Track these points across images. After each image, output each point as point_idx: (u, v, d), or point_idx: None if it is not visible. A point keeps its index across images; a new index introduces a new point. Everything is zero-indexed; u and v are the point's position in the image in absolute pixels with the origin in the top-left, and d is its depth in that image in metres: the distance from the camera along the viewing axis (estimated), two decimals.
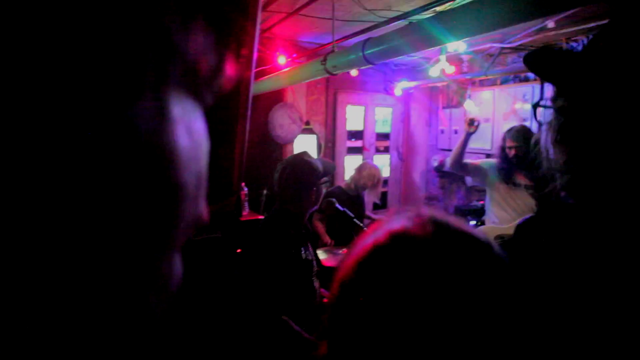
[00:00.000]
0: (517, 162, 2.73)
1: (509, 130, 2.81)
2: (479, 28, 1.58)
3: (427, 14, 2.48)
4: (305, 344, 1.57)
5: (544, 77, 0.72)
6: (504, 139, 2.82)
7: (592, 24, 3.08)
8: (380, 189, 3.78)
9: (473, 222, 3.39)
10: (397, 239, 0.44)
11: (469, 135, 2.80)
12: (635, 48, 0.53)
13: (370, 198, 3.99)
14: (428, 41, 1.81)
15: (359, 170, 3.63)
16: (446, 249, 0.43)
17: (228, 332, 1.47)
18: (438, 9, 2.27)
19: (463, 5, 1.69)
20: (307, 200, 1.82)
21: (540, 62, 0.68)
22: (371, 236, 0.46)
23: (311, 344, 1.61)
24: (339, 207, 1.90)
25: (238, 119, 0.87)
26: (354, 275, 0.45)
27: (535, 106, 0.72)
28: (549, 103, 0.67)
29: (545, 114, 0.67)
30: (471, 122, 2.77)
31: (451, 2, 2.12)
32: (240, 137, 0.86)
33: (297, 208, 1.81)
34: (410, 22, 2.27)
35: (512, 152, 2.74)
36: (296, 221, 1.82)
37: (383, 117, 5.54)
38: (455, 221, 0.46)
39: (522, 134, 2.70)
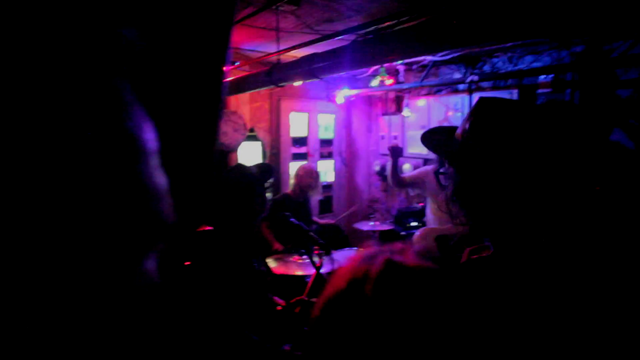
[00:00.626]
0: None
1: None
2: (418, 51, 1.73)
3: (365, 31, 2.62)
4: (265, 353, 1.61)
5: (434, 152, 0.96)
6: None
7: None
8: (320, 185, 3.89)
9: (414, 224, 3.61)
10: (354, 282, 0.53)
11: (395, 158, 3.33)
12: (493, 141, 0.76)
13: (315, 198, 4.09)
14: (372, 60, 1.94)
15: (296, 174, 3.74)
16: (398, 290, 0.51)
17: (188, 345, 1.46)
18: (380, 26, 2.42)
19: (404, 29, 1.84)
20: (252, 209, 1.80)
21: (429, 141, 0.90)
22: (335, 280, 0.54)
23: (271, 353, 1.65)
24: (294, 221, 1.95)
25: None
26: (319, 314, 0.53)
27: (437, 173, 1.03)
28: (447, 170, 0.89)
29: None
30: (393, 150, 3.28)
31: (389, 23, 2.27)
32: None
33: (243, 219, 1.79)
34: (355, 41, 2.38)
35: None
36: (244, 232, 1.82)
37: (326, 124, 5.68)
38: (410, 260, 0.55)
39: None
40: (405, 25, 2.15)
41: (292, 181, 3.83)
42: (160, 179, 0.27)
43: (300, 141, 5.38)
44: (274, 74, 2.78)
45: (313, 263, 1.99)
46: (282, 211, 2.17)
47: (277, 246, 3.31)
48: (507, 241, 0.75)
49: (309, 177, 3.68)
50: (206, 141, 0.89)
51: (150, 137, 0.26)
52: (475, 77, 3.77)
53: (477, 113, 0.80)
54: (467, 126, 0.80)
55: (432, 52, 1.71)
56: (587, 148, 0.76)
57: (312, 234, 1.93)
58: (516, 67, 3.80)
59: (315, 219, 4.31)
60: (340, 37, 2.87)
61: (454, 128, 0.88)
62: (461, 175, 0.79)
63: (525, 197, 0.72)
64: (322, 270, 2.09)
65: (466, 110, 4.11)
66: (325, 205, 5.63)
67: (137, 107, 0.26)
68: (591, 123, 0.82)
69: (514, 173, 0.72)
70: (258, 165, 1.88)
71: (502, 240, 0.76)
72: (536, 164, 0.71)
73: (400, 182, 3.37)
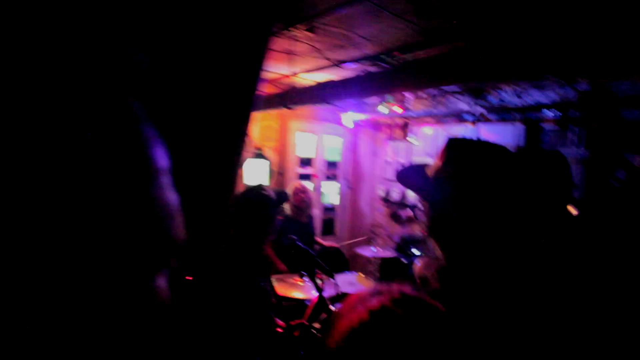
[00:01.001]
0: None
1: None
2: (425, 86, 1.79)
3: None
4: None
5: (409, 188, 1.02)
6: None
7: None
8: (311, 201, 3.89)
9: (417, 252, 3.61)
10: (376, 315, 0.55)
11: None
12: (464, 178, 0.81)
13: (315, 214, 4.10)
14: (381, 91, 2.00)
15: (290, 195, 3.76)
16: (416, 322, 0.54)
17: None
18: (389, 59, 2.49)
19: (413, 64, 1.90)
20: (264, 230, 1.86)
21: (403, 179, 0.97)
22: (353, 311, 0.57)
23: None
24: (301, 245, 1.97)
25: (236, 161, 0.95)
26: (342, 344, 0.55)
27: (412, 208, 1.11)
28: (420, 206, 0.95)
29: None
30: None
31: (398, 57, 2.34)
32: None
33: (255, 238, 1.84)
34: (368, 72, 2.46)
35: None
36: (254, 251, 1.86)
37: (333, 146, 5.75)
38: (422, 295, 0.58)
39: None
40: (414, 57, 2.22)
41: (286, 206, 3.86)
42: (172, 196, 0.28)
43: (306, 162, 5.43)
44: (287, 97, 2.86)
45: (317, 286, 2.00)
46: (287, 233, 2.20)
47: (282, 267, 3.32)
48: (476, 268, 0.80)
49: (300, 192, 3.72)
50: (232, 158, 0.93)
51: (161, 154, 0.27)
52: (482, 110, 3.84)
53: (448, 153, 0.86)
54: (439, 164, 0.86)
55: (439, 86, 1.77)
56: (546, 192, 0.82)
57: (317, 259, 1.95)
58: (521, 100, 3.87)
59: (318, 239, 4.32)
60: (351, 66, 2.95)
61: (425, 165, 0.94)
62: (434, 209, 0.84)
63: (490, 228, 0.77)
64: (324, 294, 2.09)
65: None
66: (328, 227, 5.64)
67: (149, 125, 0.26)
68: (554, 170, 0.90)
69: (481, 208, 0.78)
70: (275, 191, 1.94)
71: (471, 267, 0.81)
72: (503, 202, 0.77)
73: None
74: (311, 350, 1.93)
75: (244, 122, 0.99)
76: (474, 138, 0.89)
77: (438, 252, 0.89)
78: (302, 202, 3.72)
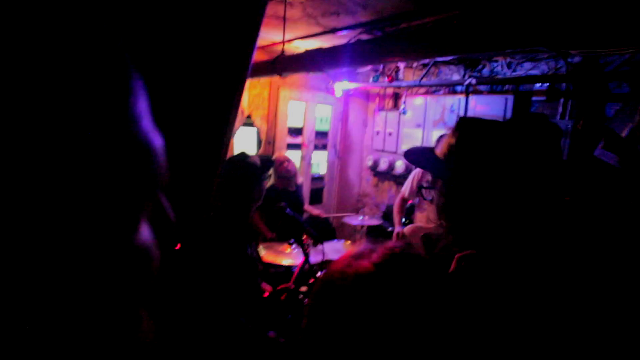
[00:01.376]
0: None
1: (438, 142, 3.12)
2: (418, 55, 1.78)
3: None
4: (253, 339, 1.66)
5: (419, 167, 1.04)
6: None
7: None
8: (295, 169, 3.90)
9: (403, 220, 3.69)
10: (381, 266, 0.58)
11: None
12: (474, 160, 0.84)
13: (300, 182, 4.12)
14: (373, 60, 1.98)
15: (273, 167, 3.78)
16: (416, 274, 0.57)
17: (182, 330, 1.52)
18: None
19: (406, 33, 1.88)
20: (250, 198, 1.87)
21: (411, 157, 0.99)
22: (349, 267, 0.59)
23: (257, 339, 1.71)
24: (289, 213, 2.00)
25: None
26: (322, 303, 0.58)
27: (419, 188, 1.11)
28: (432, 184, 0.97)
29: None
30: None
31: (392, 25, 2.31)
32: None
33: (241, 206, 1.86)
34: (358, 41, 2.42)
35: None
36: (240, 219, 1.88)
37: (323, 115, 5.71)
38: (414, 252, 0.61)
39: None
40: (409, 25, 2.19)
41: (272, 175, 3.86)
42: (155, 138, 0.28)
43: (296, 131, 5.41)
44: (278, 64, 2.81)
45: (304, 251, 2.05)
46: (275, 201, 2.22)
47: (269, 235, 3.37)
48: (492, 248, 0.82)
49: (284, 162, 3.74)
50: (223, 128, 0.93)
51: (143, 100, 0.27)
52: (473, 81, 3.83)
53: (460, 131, 0.88)
54: (452, 142, 0.88)
55: (432, 57, 1.76)
56: (558, 163, 0.85)
57: (306, 225, 1.99)
58: (514, 73, 3.87)
59: (306, 207, 4.37)
60: (344, 33, 2.90)
61: (431, 149, 0.97)
62: (448, 187, 0.86)
63: (504, 207, 0.80)
64: (310, 260, 2.15)
65: (462, 112, 4.18)
66: (316, 196, 5.69)
67: (136, 74, 0.27)
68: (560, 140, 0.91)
69: (496, 185, 0.80)
70: (260, 157, 1.93)
71: (487, 246, 0.83)
72: (514, 178, 0.80)
73: (407, 202, 3.50)
74: (297, 314, 2.00)
75: (236, 91, 0.99)
76: (499, 103, 0.89)
77: (447, 229, 0.89)
78: (287, 171, 3.75)
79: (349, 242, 3.55)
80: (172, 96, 0.78)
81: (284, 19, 2.98)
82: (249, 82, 4.84)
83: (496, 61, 4.03)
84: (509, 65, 3.93)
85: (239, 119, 4.65)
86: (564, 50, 2.70)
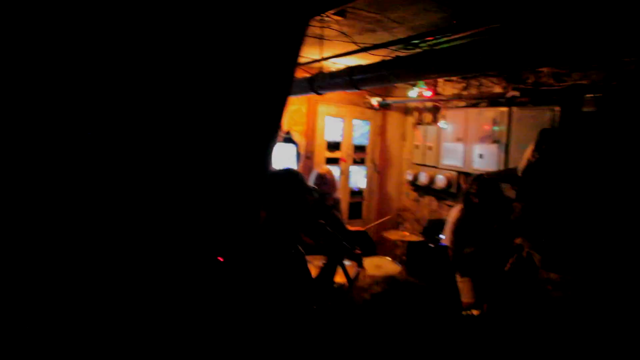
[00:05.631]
0: (477, 210, 2.85)
1: (476, 179, 2.92)
2: (460, 70, 1.76)
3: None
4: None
5: (508, 183, 1.07)
6: (470, 185, 2.93)
7: None
8: (336, 183, 3.85)
9: (443, 237, 3.59)
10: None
11: None
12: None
13: (337, 197, 4.08)
14: (413, 76, 1.98)
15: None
16: None
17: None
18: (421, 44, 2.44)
19: (446, 49, 1.87)
20: (296, 213, 1.88)
21: (503, 178, 0.99)
22: None
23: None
24: (329, 230, 2.01)
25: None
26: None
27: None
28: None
29: None
30: None
31: (429, 40, 2.29)
32: None
33: (289, 217, 1.87)
34: (397, 57, 2.43)
35: (475, 200, 2.84)
36: (288, 230, 1.90)
37: (361, 130, 5.72)
38: None
39: (485, 187, 2.79)
40: (448, 39, 2.17)
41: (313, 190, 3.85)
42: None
43: (334, 146, 5.45)
44: (315, 82, 2.86)
45: (348, 277, 2.06)
46: (316, 217, 2.23)
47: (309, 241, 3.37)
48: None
49: (325, 176, 3.70)
50: (267, 144, 0.98)
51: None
52: (517, 92, 3.71)
53: (542, 144, 0.89)
54: (535, 155, 0.91)
55: (472, 73, 1.72)
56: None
57: (345, 243, 1.98)
58: (560, 83, 3.71)
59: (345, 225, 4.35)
60: (381, 48, 2.92)
61: (513, 169, 1.00)
62: (528, 195, 0.87)
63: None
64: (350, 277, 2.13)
65: (504, 125, 4.04)
66: (355, 211, 5.67)
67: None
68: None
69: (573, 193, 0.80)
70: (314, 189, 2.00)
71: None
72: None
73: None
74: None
75: (279, 110, 1.03)
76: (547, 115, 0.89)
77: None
78: (326, 186, 3.75)
79: (389, 258, 3.50)
80: (228, 114, 0.85)
81: (322, 37, 3.04)
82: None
83: (541, 71, 3.88)
84: (555, 76, 3.77)
85: (279, 135, 4.75)
86: (618, 59, 2.55)
